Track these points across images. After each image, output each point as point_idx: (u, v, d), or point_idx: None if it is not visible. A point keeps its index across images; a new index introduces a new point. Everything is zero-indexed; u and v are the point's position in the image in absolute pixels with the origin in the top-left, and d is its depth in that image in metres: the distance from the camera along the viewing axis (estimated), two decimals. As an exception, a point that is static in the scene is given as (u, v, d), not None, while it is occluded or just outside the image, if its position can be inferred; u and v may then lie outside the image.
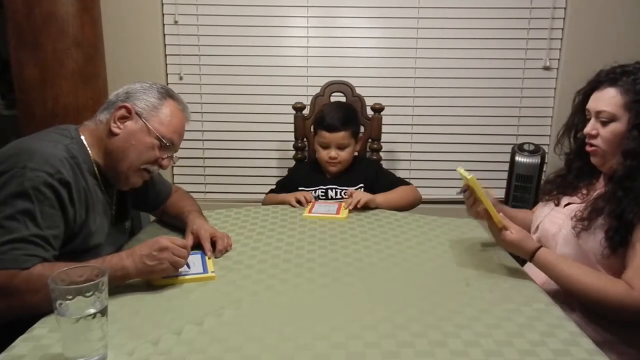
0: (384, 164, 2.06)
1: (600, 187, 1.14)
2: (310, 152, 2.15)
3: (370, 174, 1.78)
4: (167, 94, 1.26)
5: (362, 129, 1.97)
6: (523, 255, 1.09)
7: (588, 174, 1.19)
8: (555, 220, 1.17)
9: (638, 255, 0.99)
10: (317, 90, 2.19)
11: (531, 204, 2.20)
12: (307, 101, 2.25)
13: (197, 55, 2.50)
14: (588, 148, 1.13)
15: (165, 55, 2.49)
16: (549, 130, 2.54)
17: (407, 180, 1.85)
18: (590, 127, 1.11)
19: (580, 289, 1.02)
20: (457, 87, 2.52)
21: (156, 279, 1.08)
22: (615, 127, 1.08)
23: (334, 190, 1.75)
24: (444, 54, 2.50)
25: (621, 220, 1.03)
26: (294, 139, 2.19)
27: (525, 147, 2.28)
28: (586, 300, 1.02)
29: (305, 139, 2.17)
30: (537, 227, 1.23)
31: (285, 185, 1.82)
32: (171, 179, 2.59)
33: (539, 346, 0.90)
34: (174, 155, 1.27)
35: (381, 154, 2.19)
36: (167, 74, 2.50)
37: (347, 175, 1.78)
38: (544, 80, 2.52)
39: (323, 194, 1.76)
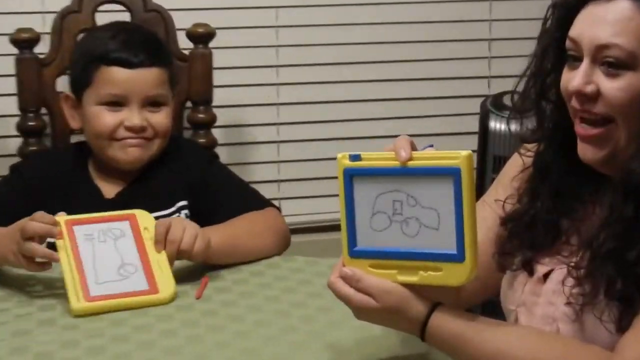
0: (224, 157, 1.91)
1: (596, 220, 1.10)
2: (55, 136, 1.88)
3: (197, 180, 1.63)
4: None
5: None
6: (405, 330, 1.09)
7: (571, 201, 1.15)
8: (546, 312, 1.13)
9: None
10: (66, 2, 1.89)
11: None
12: (43, 28, 1.94)
13: None
14: (578, 127, 1.06)
15: None
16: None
17: (269, 197, 1.74)
18: (583, 77, 1.03)
19: None
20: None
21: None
22: (636, 79, 1.01)
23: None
24: None
25: (628, 265, 1.00)
26: (18, 112, 1.87)
27: (506, 100, 1.98)
28: None
29: (45, 109, 1.89)
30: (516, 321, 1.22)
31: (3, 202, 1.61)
32: None
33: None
34: None
35: (215, 133, 1.95)
36: None
37: (150, 185, 1.63)
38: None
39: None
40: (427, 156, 0.99)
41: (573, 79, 1.04)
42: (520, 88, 1.20)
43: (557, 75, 1.10)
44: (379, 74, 2.36)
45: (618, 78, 1.02)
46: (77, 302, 1.29)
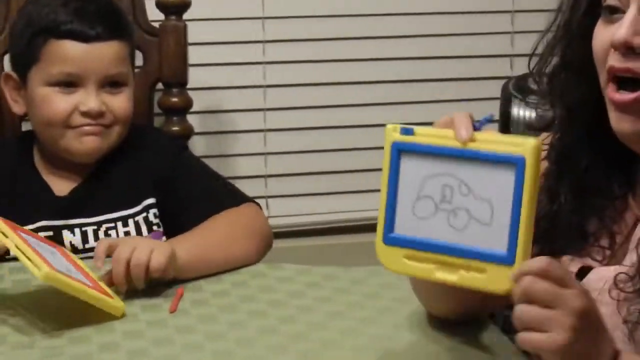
0: (202, 148, 2.04)
1: (632, 216, 1.07)
2: (1, 124, 1.86)
3: (164, 174, 1.61)
4: None
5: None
6: None
7: (598, 197, 1.10)
8: None
9: None
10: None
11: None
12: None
13: None
14: (614, 94, 1.00)
15: None
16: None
17: (254, 194, 1.75)
18: (631, 26, 0.97)
19: None
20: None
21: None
22: None
23: (79, 227, 1.56)
24: None
25: None
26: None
27: (532, 83, 1.86)
28: None
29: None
30: None
31: None
32: None
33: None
34: None
35: (191, 120, 1.91)
36: None
37: (110, 180, 1.61)
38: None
39: (50, 237, 1.56)
40: (490, 139, 0.95)
41: (618, 30, 0.98)
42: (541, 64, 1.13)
43: (584, 39, 1.04)
44: (384, 51, 2.30)
45: None
46: (42, 269, 1.23)
